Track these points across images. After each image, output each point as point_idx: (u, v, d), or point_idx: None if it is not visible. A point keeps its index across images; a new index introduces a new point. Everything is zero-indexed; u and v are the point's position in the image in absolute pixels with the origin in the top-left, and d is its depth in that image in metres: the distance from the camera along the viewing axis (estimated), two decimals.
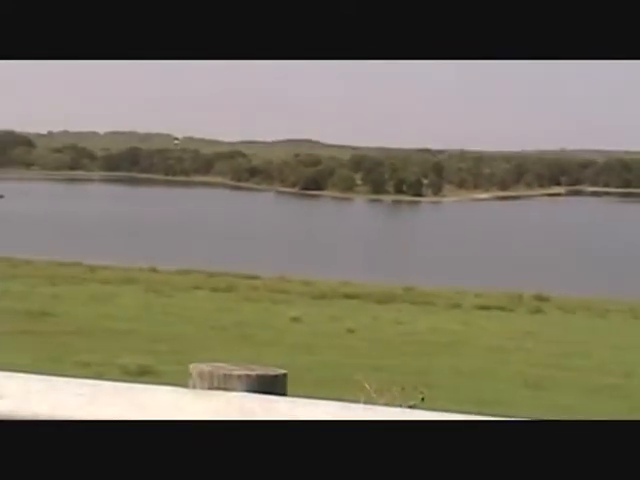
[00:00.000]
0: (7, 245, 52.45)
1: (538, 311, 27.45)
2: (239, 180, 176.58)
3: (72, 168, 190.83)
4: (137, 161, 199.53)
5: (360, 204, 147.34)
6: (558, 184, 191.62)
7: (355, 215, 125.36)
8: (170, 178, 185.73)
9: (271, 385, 1.79)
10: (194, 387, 1.80)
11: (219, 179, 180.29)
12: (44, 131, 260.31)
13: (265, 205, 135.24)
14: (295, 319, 21.90)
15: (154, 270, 36.79)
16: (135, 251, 56.30)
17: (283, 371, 1.85)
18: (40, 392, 1.54)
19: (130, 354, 14.64)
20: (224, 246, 68.16)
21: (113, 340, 17.17)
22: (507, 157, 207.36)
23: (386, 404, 5.95)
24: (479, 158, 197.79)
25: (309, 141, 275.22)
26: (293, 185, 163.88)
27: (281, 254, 63.02)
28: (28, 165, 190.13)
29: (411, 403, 6.62)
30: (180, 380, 2.06)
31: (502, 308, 27.67)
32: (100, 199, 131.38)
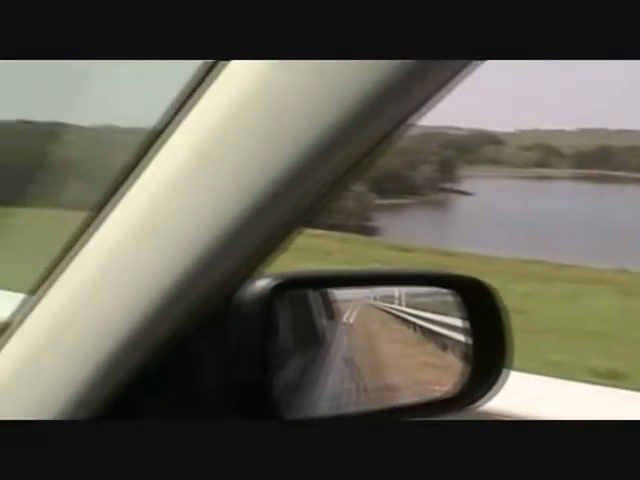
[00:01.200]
0: (472, 241, 54.11)
1: None
2: None
3: (540, 166, 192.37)
4: (607, 159, 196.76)
5: None
6: None
7: None
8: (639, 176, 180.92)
9: None
10: None
11: None
12: (513, 129, 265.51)
13: None
14: None
15: (625, 271, 35.93)
16: (605, 251, 55.39)
17: None
18: (559, 394, 1.57)
19: (600, 356, 14.42)
20: None
21: (582, 341, 17.02)
22: None
23: None
24: None
25: None
26: None
27: None
28: (497, 163, 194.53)
29: None
30: None
31: None
32: (569, 197, 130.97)
